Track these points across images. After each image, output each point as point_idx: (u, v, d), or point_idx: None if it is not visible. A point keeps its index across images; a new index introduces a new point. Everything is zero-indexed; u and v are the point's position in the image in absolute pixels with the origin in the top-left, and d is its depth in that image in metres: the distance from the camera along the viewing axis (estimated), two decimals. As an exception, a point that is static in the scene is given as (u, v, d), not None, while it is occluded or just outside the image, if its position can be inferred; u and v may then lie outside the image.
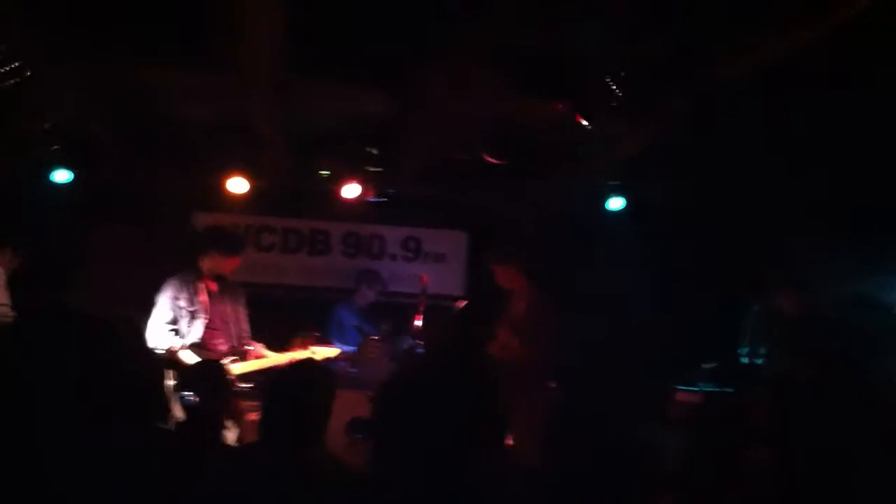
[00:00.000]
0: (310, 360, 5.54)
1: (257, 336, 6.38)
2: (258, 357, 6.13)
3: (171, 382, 5.59)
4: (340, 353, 6.79)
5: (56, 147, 7.13)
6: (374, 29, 5.00)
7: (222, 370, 5.09)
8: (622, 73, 5.40)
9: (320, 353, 6.15)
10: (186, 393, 5.13)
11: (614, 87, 5.48)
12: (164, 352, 5.70)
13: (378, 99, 6.24)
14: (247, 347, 6.14)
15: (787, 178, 6.76)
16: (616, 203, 8.15)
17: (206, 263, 6.09)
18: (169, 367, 5.61)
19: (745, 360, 6.56)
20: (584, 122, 5.88)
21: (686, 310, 7.72)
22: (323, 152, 7.46)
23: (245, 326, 6.29)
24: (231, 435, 5.63)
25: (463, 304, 6.71)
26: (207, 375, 4.77)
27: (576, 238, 8.37)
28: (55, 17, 4.90)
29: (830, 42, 4.35)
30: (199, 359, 5.71)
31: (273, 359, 6.07)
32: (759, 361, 6.47)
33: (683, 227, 7.99)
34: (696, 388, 6.20)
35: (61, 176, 7.47)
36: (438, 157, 7.28)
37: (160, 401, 4.45)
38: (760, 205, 7.41)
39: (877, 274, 6.63)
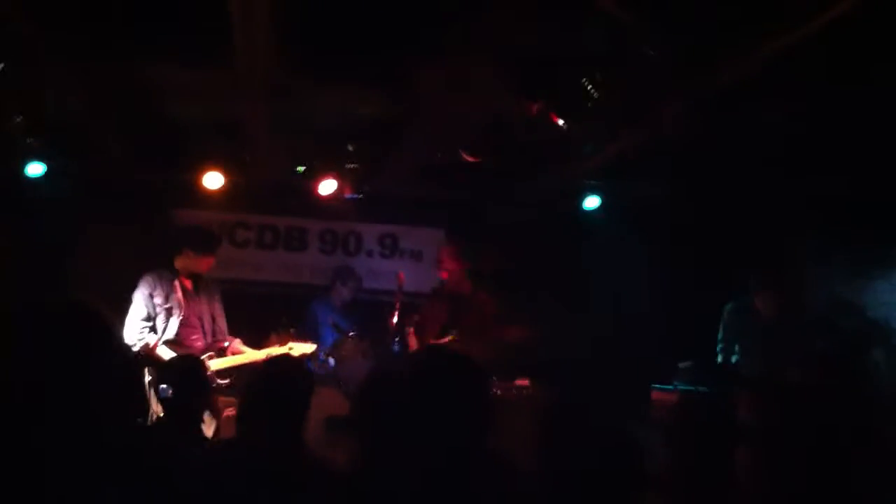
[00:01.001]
0: (286, 356, 5.55)
1: (234, 332, 6.36)
2: (235, 353, 6.13)
3: (148, 378, 5.58)
4: (317, 349, 6.79)
5: (30, 140, 7.06)
6: (364, 29, 4.99)
7: (200, 365, 5.08)
8: (597, 75, 5.42)
9: (297, 349, 6.15)
10: (163, 387, 5.12)
11: (590, 88, 5.50)
12: (140, 349, 5.68)
13: (368, 100, 6.24)
14: (224, 344, 6.13)
15: (778, 178, 6.80)
16: (592, 202, 8.18)
17: (181, 262, 6.07)
18: (146, 364, 5.60)
19: (719, 359, 6.63)
20: (560, 122, 5.91)
21: (666, 308, 7.77)
22: (304, 149, 7.45)
23: (221, 323, 6.28)
24: (209, 430, 5.62)
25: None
26: (185, 370, 4.76)
27: (555, 237, 8.40)
28: (39, 10, 4.85)
29: (826, 38, 4.37)
30: (174, 353, 5.69)
31: (250, 355, 6.07)
32: (734, 360, 6.53)
33: (666, 226, 8.04)
34: (671, 388, 6.23)
35: (35, 169, 7.40)
36: (424, 156, 7.29)
37: (140, 397, 4.46)
38: (750, 205, 7.45)
39: (864, 276, 6.70)
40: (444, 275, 6.77)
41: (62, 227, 7.52)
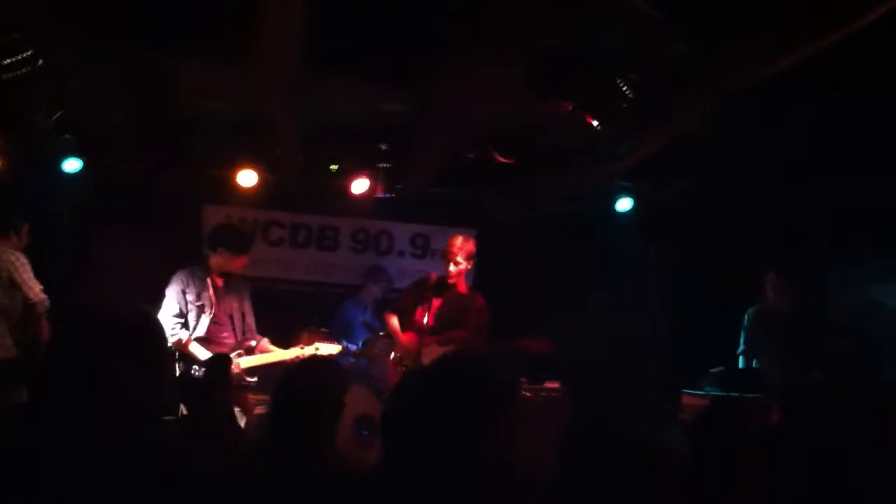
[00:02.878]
0: (322, 357, 5.58)
1: (263, 330, 6.39)
2: (263, 351, 6.15)
3: (178, 374, 5.63)
4: (343, 350, 6.81)
5: (66, 136, 7.14)
6: (391, 27, 5.00)
7: (229, 362, 5.13)
8: (632, 75, 5.40)
9: (324, 349, 6.16)
10: (195, 367, 5.17)
11: (625, 88, 5.48)
12: (172, 344, 5.72)
13: (394, 96, 6.24)
14: (251, 342, 6.16)
15: (805, 180, 6.74)
16: (624, 204, 8.17)
17: (215, 260, 6.10)
18: (178, 360, 5.66)
19: (741, 363, 6.60)
20: (594, 123, 5.89)
21: (697, 313, 7.71)
22: (334, 148, 7.48)
23: (250, 321, 6.31)
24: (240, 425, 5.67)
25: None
26: (215, 367, 4.80)
27: (585, 238, 8.37)
28: (70, 7, 4.90)
29: (854, 42, 4.32)
30: (206, 351, 5.73)
31: (279, 354, 6.08)
32: (755, 364, 6.49)
33: (695, 229, 7.99)
34: (702, 393, 6.19)
35: (71, 165, 7.48)
36: (451, 155, 7.27)
37: (173, 394, 4.49)
38: (775, 207, 7.39)
39: (890, 279, 6.62)
40: (452, 267, 6.40)
41: (95, 222, 7.58)
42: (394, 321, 6.60)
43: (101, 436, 1.93)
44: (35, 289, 5.82)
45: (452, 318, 6.36)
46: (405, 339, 6.45)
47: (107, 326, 2.05)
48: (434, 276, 6.58)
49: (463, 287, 6.50)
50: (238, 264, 6.17)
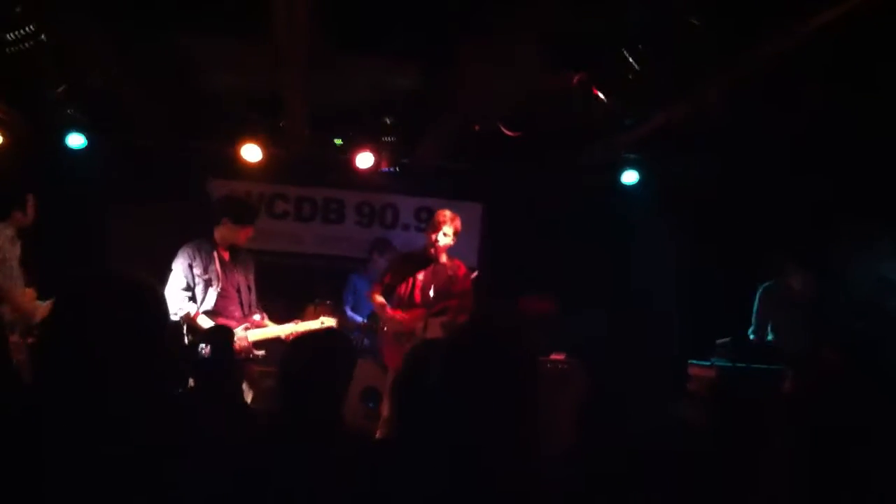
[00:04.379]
0: (331, 328, 5.59)
1: (269, 303, 6.40)
2: (265, 326, 6.14)
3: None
4: (350, 323, 6.79)
5: (70, 111, 7.13)
6: (405, 1, 4.97)
7: (231, 336, 5.15)
8: (640, 47, 5.36)
9: (327, 323, 6.15)
10: (202, 345, 5.19)
11: (631, 60, 5.44)
12: (181, 318, 5.73)
13: (407, 72, 6.21)
14: (255, 316, 6.16)
15: (822, 159, 6.71)
16: (630, 177, 8.14)
17: (220, 232, 6.09)
18: (187, 333, 5.67)
19: (752, 337, 6.62)
20: (601, 96, 5.86)
21: (704, 285, 7.71)
22: (341, 122, 7.47)
23: (253, 295, 6.31)
24: (247, 399, 5.69)
25: (474, 275, 6.66)
26: (218, 338, 4.82)
27: (592, 212, 8.37)
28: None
29: (866, 22, 4.28)
30: (212, 323, 5.74)
31: (284, 328, 6.07)
32: (770, 339, 6.49)
33: (703, 204, 7.97)
34: (708, 364, 6.20)
35: (75, 140, 7.47)
36: (461, 129, 7.25)
37: (181, 365, 4.51)
38: (790, 187, 7.36)
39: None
40: (441, 238, 6.31)
41: (102, 197, 7.59)
42: (380, 299, 6.51)
43: (100, 404, 1.93)
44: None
45: (442, 288, 6.34)
46: (397, 315, 6.39)
47: (102, 296, 2.06)
48: (413, 251, 6.64)
49: (444, 258, 6.46)
50: (243, 236, 6.16)
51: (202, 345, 5.14)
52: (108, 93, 6.75)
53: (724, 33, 4.78)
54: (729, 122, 6.32)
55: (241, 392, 5.57)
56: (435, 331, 6.04)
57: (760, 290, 6.68)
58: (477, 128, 7.39)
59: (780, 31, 4.71)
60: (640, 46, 5.35)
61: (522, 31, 4.90)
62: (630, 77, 5.51)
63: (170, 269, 5.97)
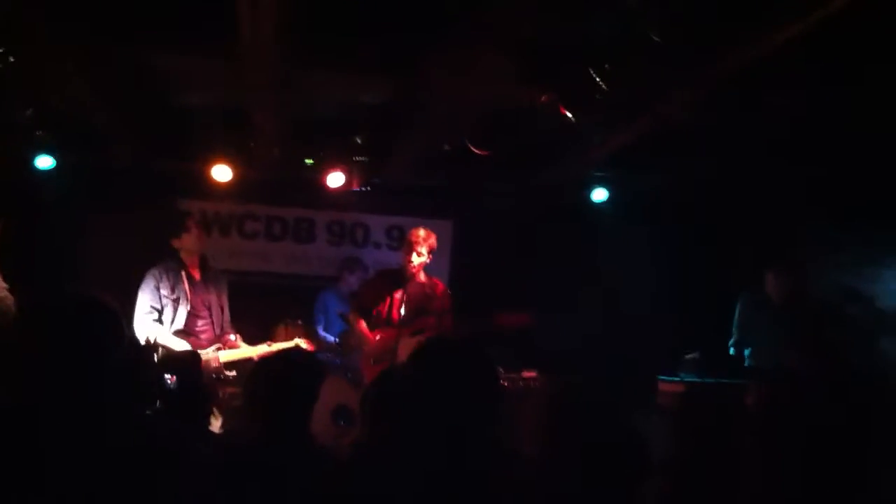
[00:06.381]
0: (295, 347, 5.57)
1: (240, 323, 6.38)
2: (239, 347, 6.11)
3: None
4: (321, 341, 6.78)
5: (39, 133, 7.10)
6: (371, 16, 4.99)
7: (197, 360, 5.10)
8: (606, 65, 5.40)
9: (301, 344, 6.15)
10: (167, 376, 5.16)
11: (598, 80, 5.49)
12: (145, 341, 5.71)
13: (375, 87, 6.23)
14: (229, 336, 6.14)
15: (786, 166, 6.78)
16: (600, 195, 8.20)
17: (178, 245, 6.07)
18: (154, 354, 5.64)
19: (732, 352, 6.62)
20: (568, 115, 5.90)
21: (674, 300, 7.77)
22: (311, 141, 7.47)
23: (226, 315, 6.29)
24: (216, 422, 5.64)
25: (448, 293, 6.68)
26: (183, 365, 4.78)
27: (562, 228, 8.41)
28: (41, 3, 4.86)
29: (833, 30, 4.34)
30: (185, 343, 5.72)
31: (257, 349, 6.05)
32: (747, 353, 6.51)
33: (673, 216, 8.04)
34: (677, 379, 6.25)
35: (44, 162, 7.44)
36: (430, 146, 7.27)
37: (149, 387, 4.49)
38: (759, 195, 7.43)
39: (873, 265, 6.69)
40: (415, 258, 6.32)
41: (70, 219, 7.55)
42: (360, 322, 6.51)
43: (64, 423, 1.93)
44: None
45: (419, 307, 6.35)
46: (374, 336, 6.39)
47: (53, 316, 2.06)
48: (390, 270, 6.65)
49: (422, 277, 6.47)
50: (189, 241, 6.11)
51: (166, 375, 5.12)
52: (76, 113, 6.72)
53: (685, 49, 4.84)
54: (697, 132, 6.38)
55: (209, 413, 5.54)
56: (410, 350, 6.00)
57: (739, 303, 6.68)
58: (448, 147, 7.42)
59: (744, 43, 4.77)
60: (606, 65, 5.41)
61: (487, 43, 4.93)
62: (597, 96, 5.56)
63: (137, 292, 5.94)
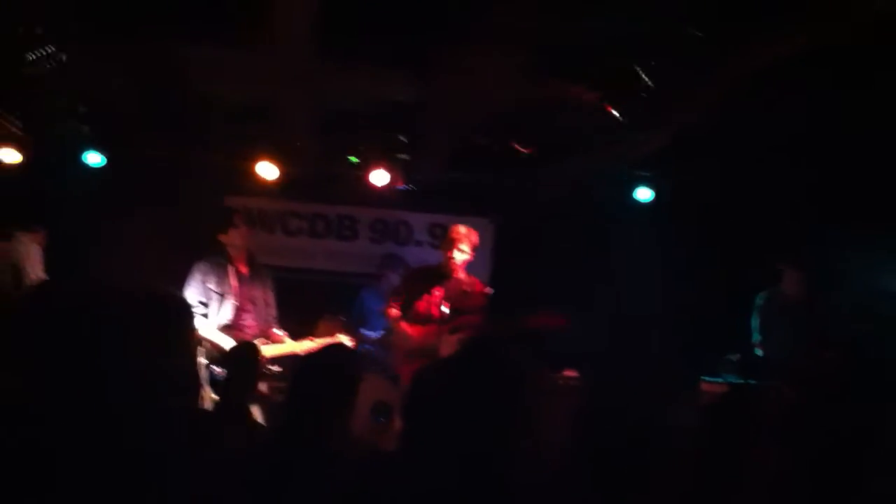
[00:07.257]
0: (338, 344, 5.60)
1: (284, 319, 6.43)
2: (283, 342, 6.16)
3: (203, 361, 5.68)
4: (361, 338, 6.83)
5: (86, 129, 7.22)
6: (406, 12, 5.01)
7: (255, 351, 5.15)
8: (652, 62, 5.38)
9: (343, 340, 6.18)
10: (217, 370, 5.22)
11: (644, 77, 5.46)
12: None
13: (408, 83, 6.24)
14: (275, 331, 6.19)
15: (814, 169, 6.70)
16: (644, 194, 8.15)
17: (225, 240, 6.13)
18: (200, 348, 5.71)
19: (758, 352, 6.58)
20: (615, 113, 5.87)
21: (714, 301, 7.70)
22: (352, 138, 7.51)
23: (273, 310, 6.34)
24: (258, 416, 5.70)
25: (488, 291, 6.67)
26: (240, 356, 4.83)
27: (600, 226, 8.37)
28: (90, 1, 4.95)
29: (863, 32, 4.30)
30: (229, 338, 5.77)
31: (301, 345, 6.09)
32: (770, 353, 6.45)
33: (709, 217, 7.97)
34: (720, 380, 6.20)
35: (93, 159, 7.57)
36: (465, 142, 7.28)
37: (196, 381, 4.55)
38: (786, 196, 7.35)
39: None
40: (457, 254, 6.31)
41: (115, 215, 7.66)
42: (396, 313, 6.49)
43: (106, 417, 1.95)
44: (31, 276, 5.91)
45: (458, 304, 6.31)
46: (413, 332, 6.37)
47: (129, 307, 2.08)
48: (429, 266, 6.68)
49: (462, 274, 6.43)
50: (238, 237, 6.17)
51: (217, 370, 5.18)
52: (124, 110, 6.82)
53: (723, 41, 4.81)
54: (732, 129, 6.32)
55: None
56: (451, 347, 6.00)
57: (758, 302, 6.65)
58: (488, 143, 7.41)
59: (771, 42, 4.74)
60: (651, 61, 5.39)
61: (518, 41, 4.93)
62: (643, 93, 5.53)
63: (184, 286, 6.02)
